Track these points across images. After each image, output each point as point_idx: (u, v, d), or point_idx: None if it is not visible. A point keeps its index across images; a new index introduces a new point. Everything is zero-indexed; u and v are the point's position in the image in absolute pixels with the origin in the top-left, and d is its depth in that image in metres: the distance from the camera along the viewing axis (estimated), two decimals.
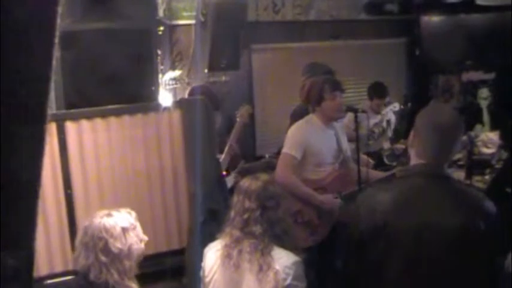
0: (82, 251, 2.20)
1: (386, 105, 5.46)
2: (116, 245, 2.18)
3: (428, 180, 1.96)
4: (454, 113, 2.11)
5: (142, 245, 2.31)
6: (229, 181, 4.20)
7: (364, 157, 3.89)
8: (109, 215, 2.25)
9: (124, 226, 2.23)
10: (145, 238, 2.34)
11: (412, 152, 2.06)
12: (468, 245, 1.88)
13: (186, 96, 4.50)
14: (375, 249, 1.94)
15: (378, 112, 5.39)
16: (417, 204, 1.93)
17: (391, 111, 5.46)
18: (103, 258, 2.16)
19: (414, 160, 2.03)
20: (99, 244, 2.17)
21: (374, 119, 5.24)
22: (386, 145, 5.47)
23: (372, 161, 4.14)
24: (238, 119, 4.47)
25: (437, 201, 1.93)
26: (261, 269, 2.26)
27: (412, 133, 2.06)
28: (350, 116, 4.35)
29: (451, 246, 1.87)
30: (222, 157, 4.23)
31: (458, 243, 1.87)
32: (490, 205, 1.95)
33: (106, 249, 2.17)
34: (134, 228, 2.28)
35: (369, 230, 1.95)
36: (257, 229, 2.31)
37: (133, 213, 2.33)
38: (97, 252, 2.16)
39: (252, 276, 2.28)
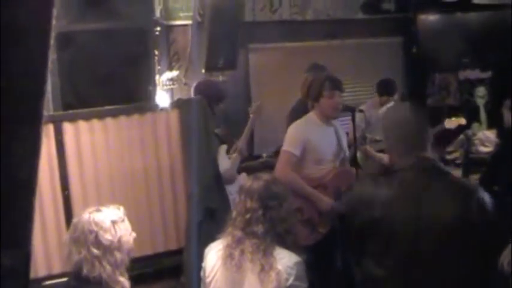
0: (73, 247, 2.22)
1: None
2: (106, 237, 2.19)
3: (420, 173, 2.02)
4: (408, 106, 2.26)
5: (131, 239, 2.32)
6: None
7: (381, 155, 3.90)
8: (98, 210, 2.28)
9: (113, 219, 2.26)
10: (134, 234, 2.35)
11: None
12: (465, 236, 1.90)
13: (192, 93, 4.36)
14: (373, 241, 1.97)
15: None
16: (412, 196, 1.98)
17: None
18: (95, 251, 2.17)
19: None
20: (90, 237, 2.19)
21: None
22: None
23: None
24: (251, 115, 4.30)
25: (430, 193, 1.97)
26: (263, 269, 2.25)
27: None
28: (360, 116, 4.36)
29: (448, 237, 1.91)
30: (232, 158, 4.07)
31: (454, 235, 1.90)
32: (485, 196, 1.97)
33: (97, 242, 2.18)
34: (123, 220, 2.31)
35: (367, 221, 1.99)
36: (259, 229, 2.30)
37: (122, 208, 2.35)
38: (88, 246, 2.18)
39: (254, 276, 2.27)
